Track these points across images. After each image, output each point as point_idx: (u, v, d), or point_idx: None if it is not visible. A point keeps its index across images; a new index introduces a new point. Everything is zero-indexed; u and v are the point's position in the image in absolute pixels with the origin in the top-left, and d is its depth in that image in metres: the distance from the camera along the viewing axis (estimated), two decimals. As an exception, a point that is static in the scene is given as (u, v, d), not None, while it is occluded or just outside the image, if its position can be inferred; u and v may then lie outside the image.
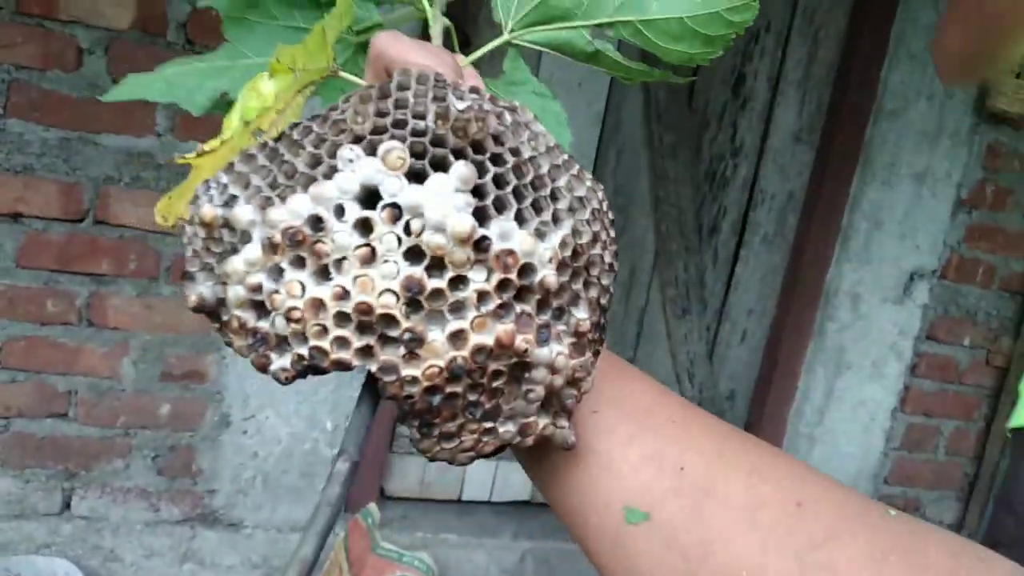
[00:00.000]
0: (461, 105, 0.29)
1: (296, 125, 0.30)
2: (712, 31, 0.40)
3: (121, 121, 1.64)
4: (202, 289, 0.30)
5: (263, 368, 0.30)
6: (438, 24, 0.40)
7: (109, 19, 1.59)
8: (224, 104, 0.40)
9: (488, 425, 0.30)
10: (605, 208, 0.32)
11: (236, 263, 0.29)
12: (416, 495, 2.20)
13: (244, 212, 0.28)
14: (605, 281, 0.31)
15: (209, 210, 0.29)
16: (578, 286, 0.30)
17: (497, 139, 0.29)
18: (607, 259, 0.31)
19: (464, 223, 0.27)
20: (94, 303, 1.72)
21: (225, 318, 0.30)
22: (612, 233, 0.32)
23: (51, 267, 1.67)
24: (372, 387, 0.30)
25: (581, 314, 0.30)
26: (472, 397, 0.29)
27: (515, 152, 0.29)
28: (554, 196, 0.29)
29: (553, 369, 0.29)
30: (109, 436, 1.79)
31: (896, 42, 2.12)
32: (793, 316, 2.29)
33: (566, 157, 0.31)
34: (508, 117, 0.30)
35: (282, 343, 0.29)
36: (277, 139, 0.30)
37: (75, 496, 1.80)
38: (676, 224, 2.18)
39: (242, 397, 1.84)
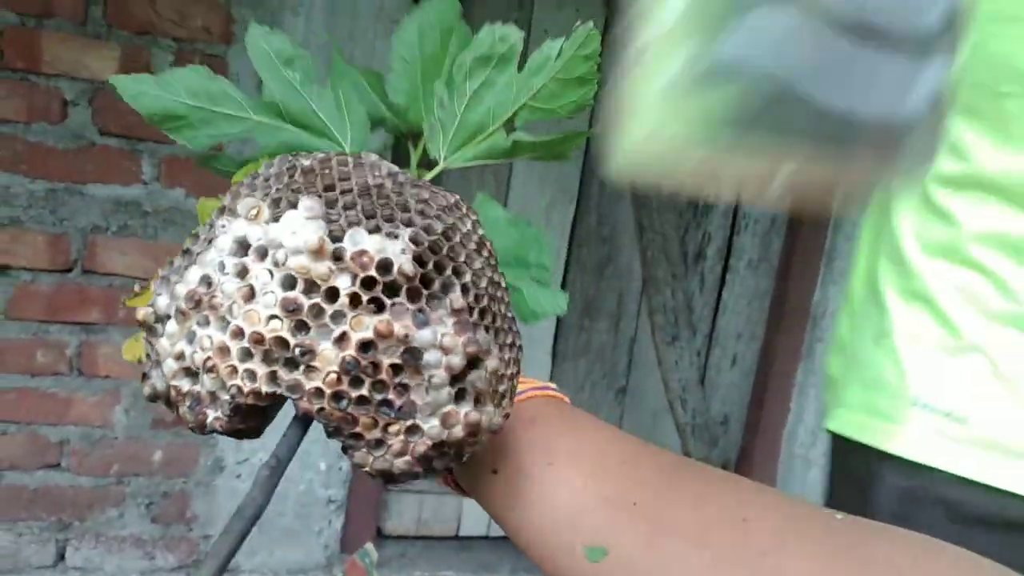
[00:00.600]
0: (306, 161, 0.35)
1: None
2: (579, 72, 0.45)
3: (107, 171, 1.65)
4: (153, 380, 0.34)
5: (202, 425, 0.33)
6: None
7: (93, 71, 1.61)
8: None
9: (409, 423, 0.32)
10: (458, 203, 0.36)
11: (162, 342, 0.33)
12: (413, 533, 2.19)
13: (162, 300, 0.33)
14: (477, 264, 0.34)
15: (141, 312, 0.34)
16: (446, 274, 0.32)
17: (344, 177, 0.34)
18: (472, 244, 0.34)
19: (312, 236, 0.30)
20: (84, 352, 1.72)
21: (172, 397, 0.34)
22: (475, 219, 0.36)
23: (40, 318, 1.68)
24: (302, 419, 0.33)
25: (454, 294, 0.32)
26: (380, 396, 0.31)
27: (360, 183, 0.33)
28: (403, 208, 0.33)
29: (444, 349, 0.31)
30: (102, 485, 1.78)
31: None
32: (782, 338, 2.30)
33: (407, 176, 0.36)
34: (351, 160, 0.35)
35: (213, 397, 0.33)
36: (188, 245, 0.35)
37: (69, 547, 1.79)
38: (661, 251, 2.20)
39: (235, 441, 1.83)
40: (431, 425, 0.32)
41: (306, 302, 0.31)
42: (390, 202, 0.33)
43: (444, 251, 0.33)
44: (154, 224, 1.68)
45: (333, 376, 0.31)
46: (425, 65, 0.50)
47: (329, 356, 0.31)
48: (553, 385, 0.42)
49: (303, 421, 0.33)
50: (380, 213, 0.32)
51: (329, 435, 0.33)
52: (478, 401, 0.33)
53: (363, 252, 0.31)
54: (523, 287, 0.50)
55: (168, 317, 0.33)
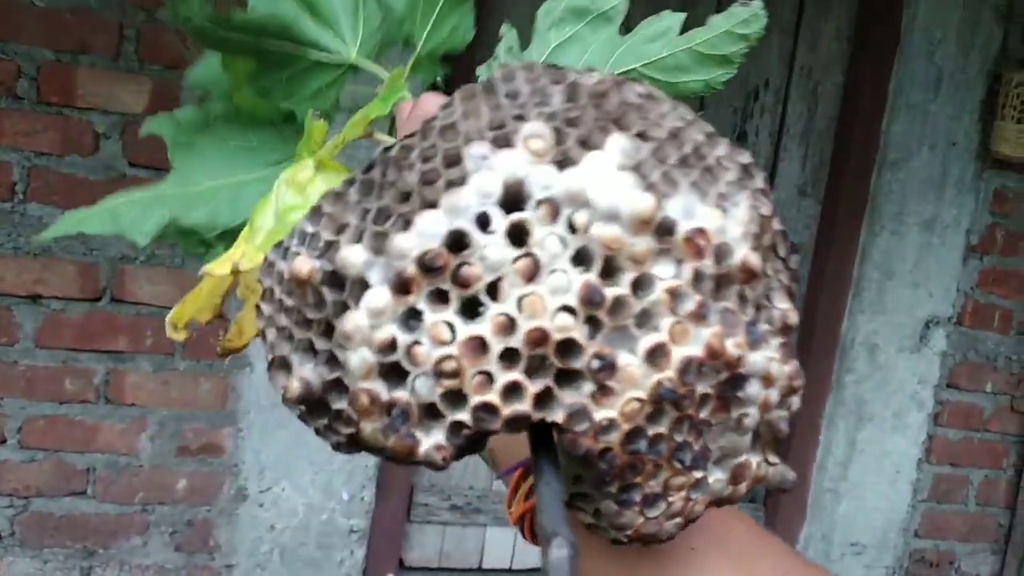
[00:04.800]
0: (589, 80, 0.24)
1: (388, 148, 0.25)
2: (726, 50, 0.39)
3: (137, 201, 1.69)
4: (305, 373, 0.24)
5: (410, 453, 0.23)
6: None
7: (125, 104, 1.65)
8: (173, 231, 0.39)
9: (698, 475, 0.24)
10: (765, 178, 0.26)
11: (357, 318, 0.22)
12: (436, 564, 2.17)
13: (353, 253, 0.22)
14: (793, 264, 0.25)
15: (303, 263, 0.23)
16: (770, 270, 0.24)
17: (640, 110, 0.24)
18: (785, 233, 0.26)
19: (644, 200, 0.21)
20: (112, 380, 1.74)
21: (338, 406, 0.24)
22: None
23: (69, 346, 1.70)
24: (547, 446, 0.23)
25: (782, 304, 0.24)
26: (679, 437, 0.23)
27: (670, 126, 0.24)
28: (721, 165, 0.24)
29: (768, 380, 0.23)
30: (127, 513, 1.79)
31: (895, 94, 2.14)
32: (810, 369, 2.27)
33: (711, 128, 0.26)
34: (640, 88, 0.25)
35: (429, 413, 0.23)
36: (367, 170, 0.25)
37: (93, 575, 1.79)
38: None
39: (258, 469, 1.84)
40: (716, 477, 0.24)
41: (610, 293, 0.22)
42: (702, 154, 0.24)
43: (769, 238, 0.24)
44: (181, 253, 1.71)
45: (636, 404, 0.22)
46: None
47: (634, 375, 0.22)
48: None
49: (555, 462, 0.23)
50: (699, 171, 0.23)
51: (594, 486, 0.24)
52: (766, 448, 0.25)
53: (701, 231, 0.22)
54: None
55: (361, 283, 0.22)
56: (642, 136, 0.23)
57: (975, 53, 2.17)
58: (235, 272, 0.29)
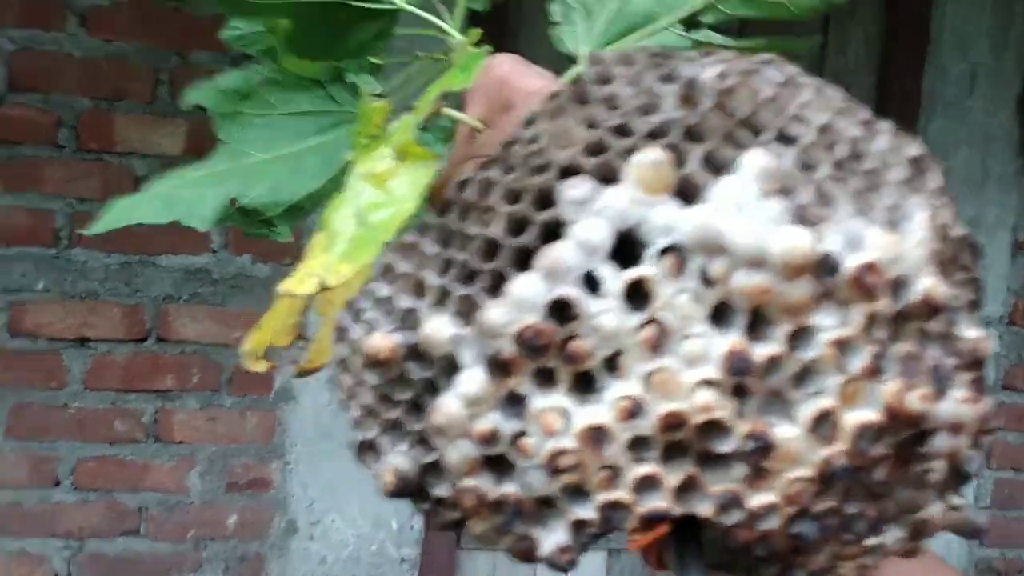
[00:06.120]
0: (709, 73, 0.19)
1: (463, 183, 0.21)
2: None
3: (177, 241, 1.71)
4: (397, 461, 0.20)
5: (527, 555, 0.20)
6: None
7: (163, 147, 1.68)
8: (236, 214, 0.36)
9: (872, 542, 0.20)
10: (937, 164, 0.21)
11: (451, 407, 0.19)
12: (488, 592, 2.15)
13: (439, 327, 0.19)
14: (977, 271, 0.21)
15: (382, 342, 0.20)
16: (955, 289, 0.20)
17: (776, 103, 0.20)
18: (968, 236, 0.21)
19: (799, 239, 0.17)
20: (160, 419, 1.76)
21: (442, 493, 0.20)
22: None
23: (117, 387, 1.73)
24: (690, 538, 0.19)
25: (971, 332, 0.20)
26: (851, 509, 0.19)
27: (820, 122, 0.20)
28: (886, 165, 0.20)
29: (956, 428, 0.19)
30: (180, 551, 1.80)
31: (929, 93, 2.11)
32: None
33: (867, 114, 0.21)
34: (773, 73, 0.21)
35: (545, 508, 0.19)
36: (441, 211, 0.21)
37: (149, 615, 1.81)
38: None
39: (307, 502, 1.84)
40: (894, 535, 0.20)
41: (761, 354, 0.18)
42: (858, 153, 0.19)
43: (951, 248, 0.19)
44: (223, 291, 1.73)
45: (801, 485, 0.18)
46: None
47: (798, 452, 0.18)
48: None
49: (693, 553, 0.19)
50: (858, 181, 0.19)
51: (739, 569, 0.20)
52: (947, 489, 0.21)
53: (871, 267, 0.17)
54: None
55: (450, 360, 0.19)
56: (784, 139, 0.19)
57: (1009, 50, 2.14)
58: (322, 290, 0.25)
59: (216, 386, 1.77)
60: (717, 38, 0.34)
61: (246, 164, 0.36)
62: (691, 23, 0.33)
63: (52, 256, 1.66)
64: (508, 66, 0.28)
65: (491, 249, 0.19)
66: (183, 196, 0.35)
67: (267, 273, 1.70)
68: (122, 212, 0.36)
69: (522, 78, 0.26)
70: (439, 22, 0.35)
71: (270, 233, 0.36)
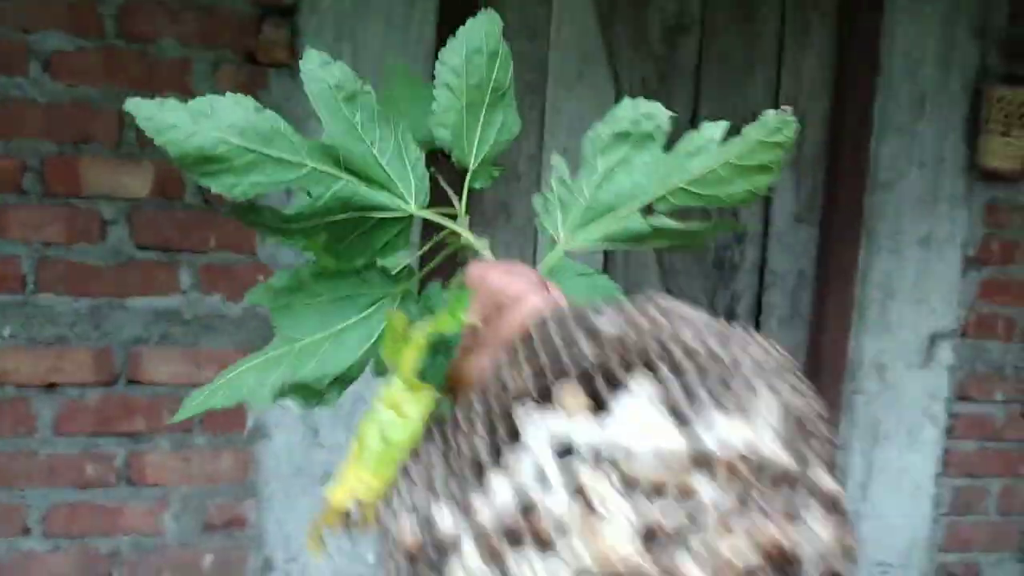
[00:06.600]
0: (602, 319, 0.27)
1: (460, 408, 0.28)
2: (762, 159, 0.41)
3: (146, 283, 1.70)
4: None
5: None
6: (484, 247, 0.42)
7: (130, 190, 1.67)
8: (288, 389, 0.41)
9: None
10: (785, 356, 0.29)
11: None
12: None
13: (443, 519, 0.25)
14: (832, 435, 0.28)
15: (407, 534, 0.26)
16: (802, 446, 0.26)
17: (656, 334, 0.27)
18: (817, 407, 0.28)
19: (674, 441, 0.24)
20: (132, 462, 1.74)
21: None
22: (802, 379, 0.29)
23: (88, 431, 1.71)
24: None
25: (819, 471, 0.26)
26: None
27: (679, 340, 0.27)
28: (737, 364, 0.26)
29: (823, 556, 0.24)
30: (155, 594, 1.79)
31: (880, 117, 2.18)
32: (821, 393, 2.26)
33: (726, 328, 0.28)
34: (656, 315, 0.28)
35: None
36: (441, 426, 0.28)
37: (125, 659, 1.79)
38: (692, 315, 2.20)
39: (283, 539, 1.84)
40: None
41: (666, 522, 0.24)
42: (724, 364, 0.26)
43: (802, 428, 0.26)
44: (195, 331, 1.72)
45: None
46: (470, 96, 0.44)
47: None
48: None
49: None
50: (719, 382, 0.25)
51: None
52: None
53: (729, 448, 0.24)
54: None
55: (454, 548, 0.25)
56: (663, 359, 0.26)
57: (955, 72, 2.22)
58: (358, 503, 0.32)
59: (188, 426, 1.76)
60: (668, 222, 0.42)
61: (297, 347, 0.42)
62: (647, 210, 0.41)
63: (19, 302, 1.64)
64: (478, 272, 0.37)
65: (476, 461, 0.26)
66: (245, 382, 0.41)
67: (239, 313, 1.69)
68: (199, 401, 0.42)
69: (510, 286, 0.36)
70: (451, 225, 0.43)
71: (320, 401, 0.42)
